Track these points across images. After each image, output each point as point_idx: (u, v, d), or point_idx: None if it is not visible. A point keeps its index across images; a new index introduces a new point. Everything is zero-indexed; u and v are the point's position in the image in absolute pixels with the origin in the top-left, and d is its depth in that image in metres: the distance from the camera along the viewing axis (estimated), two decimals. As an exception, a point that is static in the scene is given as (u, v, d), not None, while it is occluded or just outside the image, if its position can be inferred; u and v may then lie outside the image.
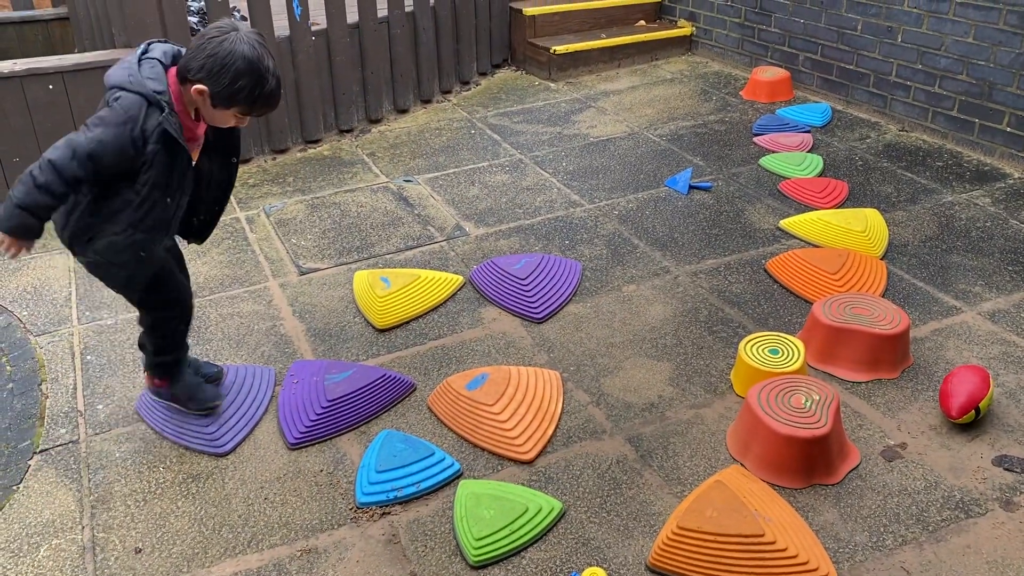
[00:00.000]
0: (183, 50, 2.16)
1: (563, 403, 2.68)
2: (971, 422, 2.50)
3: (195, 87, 2.07)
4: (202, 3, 4.80)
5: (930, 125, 4.55)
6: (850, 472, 2.37)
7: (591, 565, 2.10)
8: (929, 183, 4.06)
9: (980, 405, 2.47)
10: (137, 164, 2.08)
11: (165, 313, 2.46)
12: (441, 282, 3.27)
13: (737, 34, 5.70)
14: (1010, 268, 3.32)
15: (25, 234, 2.06)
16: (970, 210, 3.79)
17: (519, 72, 5.95)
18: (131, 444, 2.57)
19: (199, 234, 2.49)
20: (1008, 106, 4.14)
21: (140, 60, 2.12)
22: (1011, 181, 4.05)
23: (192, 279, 3.40)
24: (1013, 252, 3.44)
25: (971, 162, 4.26)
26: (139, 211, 2.16)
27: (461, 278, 3.34)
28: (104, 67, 3.98)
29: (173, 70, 2.13)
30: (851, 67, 4.92)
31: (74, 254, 2.29)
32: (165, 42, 2.20)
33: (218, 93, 2.07)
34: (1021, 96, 4.06)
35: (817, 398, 2.38)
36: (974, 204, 3.84)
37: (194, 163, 2.26)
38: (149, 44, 2.17)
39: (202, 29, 4.51)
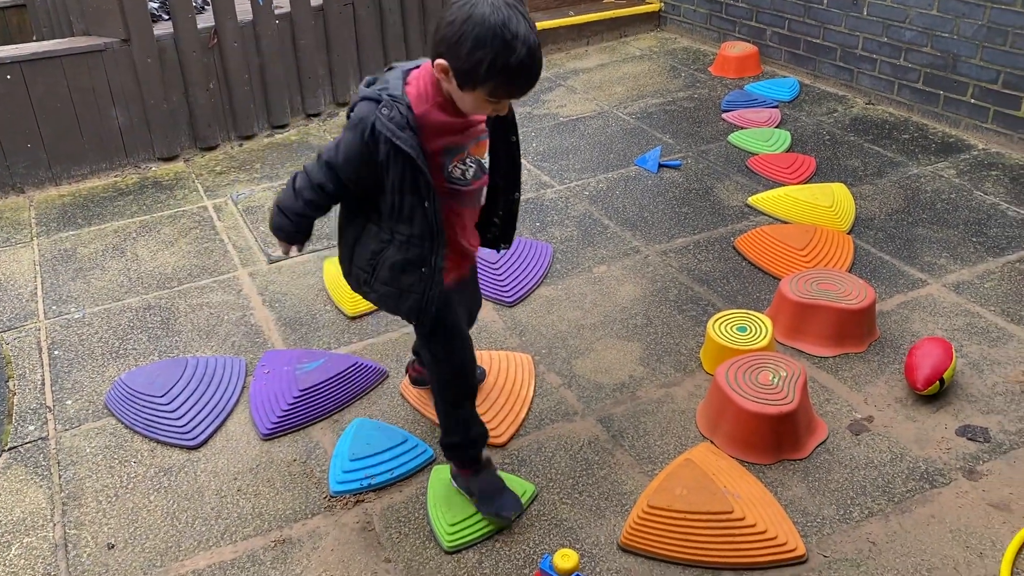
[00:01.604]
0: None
1: (535, 386, 2.69)
2: (936, 393, 2.55)
3: (437, 64, 1.74)
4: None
5: (896, 98, 4.58)
6: (818, 447, 2.40)
7: (563, 546, 2.12)
8: (895, 156, 4.10)
9: (944, 376, 2.51)
10: (378, 170, 1.83)
11: (445, 370, 2.12)
12: (411, 267, 3.25)
13: (705, 9, 5.69)
14: (974, 240, 3.37)
15: (280, 233, 2.00)
16: (935, 182, 3.83)
17: (488, 51, 5.90)
18: (101, 439, 2.55)
19: (504, 234, 2.18)
20: (972, 78, 4.17)
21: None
22: (975, 152, 4.09)
23: (159, 270, 3.40)
24: (977, 223, 3.48)
25: (936, 134, 4.30)
26: (400, 222, 1.87)
27: (432, 262, 3.33)
28: (63, 56, 3.92)
29: (427, 62, 1.83)
30: (818, 41, 4.93)
31: (365, 294, 2.06)
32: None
33: (458, 69, 1.70)
34: (985, 68, 4.10)
35: (784, 374, 2.41)
36: (939, 176, 3.88)
37: (481, 158, 1.96)
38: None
39: (162, 15, 4.46)
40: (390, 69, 1.89)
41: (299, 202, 1.93)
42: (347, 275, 2.07)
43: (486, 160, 2.00)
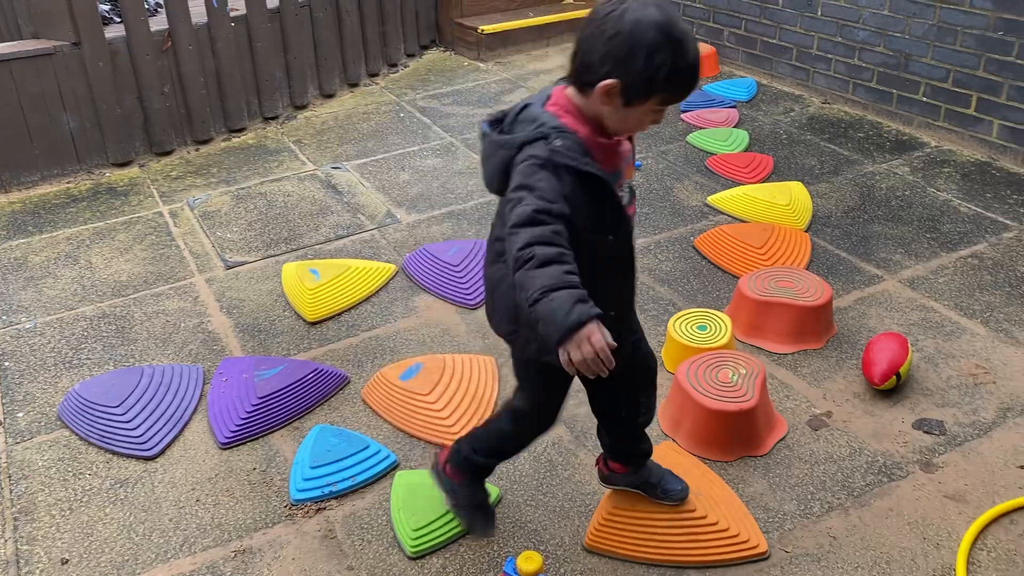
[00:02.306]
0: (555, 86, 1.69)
1: (499, 388, 2.68)
2: (893, 388, 2.58)
3: (601, 87, 1.54)
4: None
5: (851, 97, 4.65)
6: (778, 443, 2.42)
7: (528, 548, 2.11)
8: (851, 154, 4.16)
9: (900, 371, 2.55)
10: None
11: (543, 406, 1.95)
12: (373, 271, 3.23)
13: (663, 10, 5.72)
14: (928, 236, 3.43)
15: (566, 321, 1.49)
16: (890, 179, 3.89)
17: (448, 53, 5.90)
18: (55, 452, 2.49)
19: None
20: (924, 76, 4.25)
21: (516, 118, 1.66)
22: (928, 150, 4.17)
23: (114, 278, 3.33)
24: (930, 220, 3.54)
25: (890, 132, 4.37)
26: (577, 261, 1.54)
27: (393, 267, 3.31)
28: (11, 59, 3.83)
29: (558, 90, 1.66)
30: (774, 41, 4.99)
31: (515, 343, 1.83)
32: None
33: (633, 83, 1.53)
34: (936, 67, 4.18)
35: (744, 372, 2.43)
36: (894, 173, 3.95)
37: (629, 179, 1.77)
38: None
39: (113, 18, 4.37)
40: (523, 109, 1.65)
41: (552, 268, 1.47)
42: (512, 335, 1.81)
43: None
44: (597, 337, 1.44)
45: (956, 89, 4.12)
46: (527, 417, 1.97)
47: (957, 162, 4.02)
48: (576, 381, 1.84)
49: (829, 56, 4.69)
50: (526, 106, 1.65)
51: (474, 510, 2.11)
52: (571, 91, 1.63)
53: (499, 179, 1.65)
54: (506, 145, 1.61)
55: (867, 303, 3.03)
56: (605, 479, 2.18)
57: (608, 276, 1.71)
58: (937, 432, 2.45)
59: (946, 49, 4.10)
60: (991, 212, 3.58)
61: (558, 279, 1.45)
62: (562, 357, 1.47)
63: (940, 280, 3.14)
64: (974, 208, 3.61)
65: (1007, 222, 3.50)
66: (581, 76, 1.58)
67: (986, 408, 2.52)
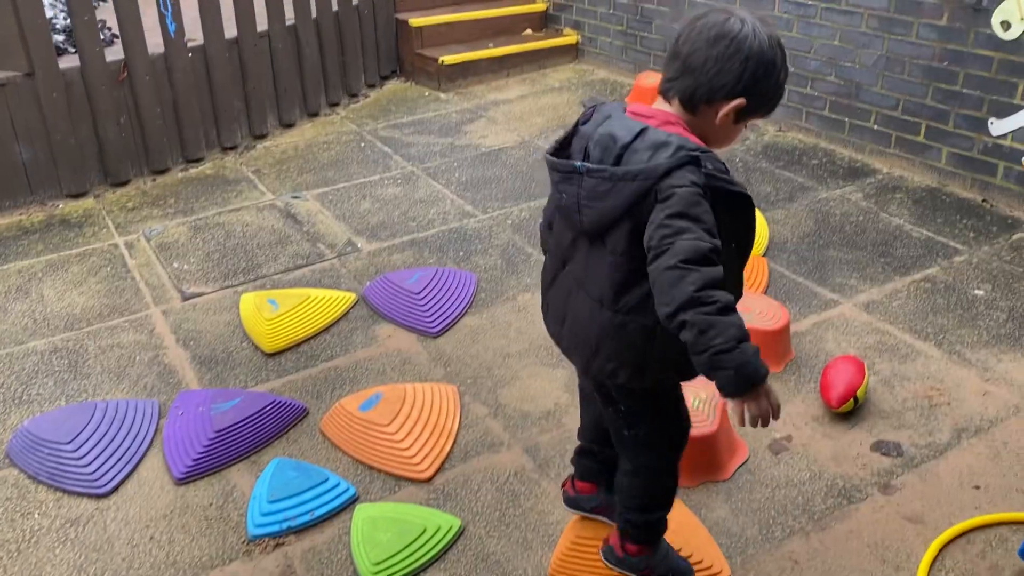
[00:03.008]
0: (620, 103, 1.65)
1: (461, 417, 2.66)
2: (850, 411, 2.61)
3: (732, 106, 1.56)
4: (67, 21, 4.57)
5: (805, 125, 4.75)
6: (739, 467, 2.43)
7: (491, 581, 2.09)
8: (806, 181, 4.23)
9: (857, 394, 2.58)
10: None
11: (675, 429, 1.87)
12: (332, 301, 3.20)
13: (621, 42, 5.82)
14: (882, 260, 3.49)
15: (753, 375, 1.47)
16: (844, 205, 3.97)
17: (409, 83, 5.92)
18: (2, 491, 2.42)
19: None
20: (874, 105, 4.35)
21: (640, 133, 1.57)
22: (880, 176, 4.26)
23: (67, 311, 3.26)
24: (884, 244, 3.61)
25: (843, 159, 4.47)
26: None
27: (354, 295, 3.28)
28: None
29: (660, 111, 1.62)
30: (729, 71, 5.08)
31: (622, 381, 1.72)
32: (593, 107, 1.68)
33: (758, 102, 1.58)
34: (885, 96, 4.28)
35: (704, 396, 2.44)
36: (847, 199, 4.03)
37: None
38: (599, 109, 1.65)
39: (68, 48, 4.31)
40: (639, 135, 1.56)
41: (734, 316, 1.45)
42: (639, 376, 1.70)
43: None
44: (774, 396, 1.50)
45: (906, 117, 4.22)
46: (663, 441, 1.86)
47: (908, 188, 4.12)
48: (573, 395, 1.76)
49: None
50: (643, 130, 1.56)
51: (676, 563, 2.00)
52: (676, 108, 1.61)
53: (620, 214, 1.55)
54: (641, 176, 1.51)
55: (824, 327, 3.07)
56: (571, 501, 2.15)
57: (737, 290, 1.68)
58: (895, 454, 2.48)
59: (895, 79, 4.21)
60: (942, 236, 3.66)
61: (743, 330, 1.45)
62: (735, 407, 1.49)
63: (894, 304, 3.19)
64: (926, 233, 3.69)
65: (957, 246, 3.58)
66: (705, 95, 1.57)
67: (941, 429, 2.56)
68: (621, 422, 1.83)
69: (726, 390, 1.47)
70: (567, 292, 1.74)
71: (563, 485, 2.18)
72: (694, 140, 1.57)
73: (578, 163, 1.60)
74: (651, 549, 1.96)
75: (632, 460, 1.88)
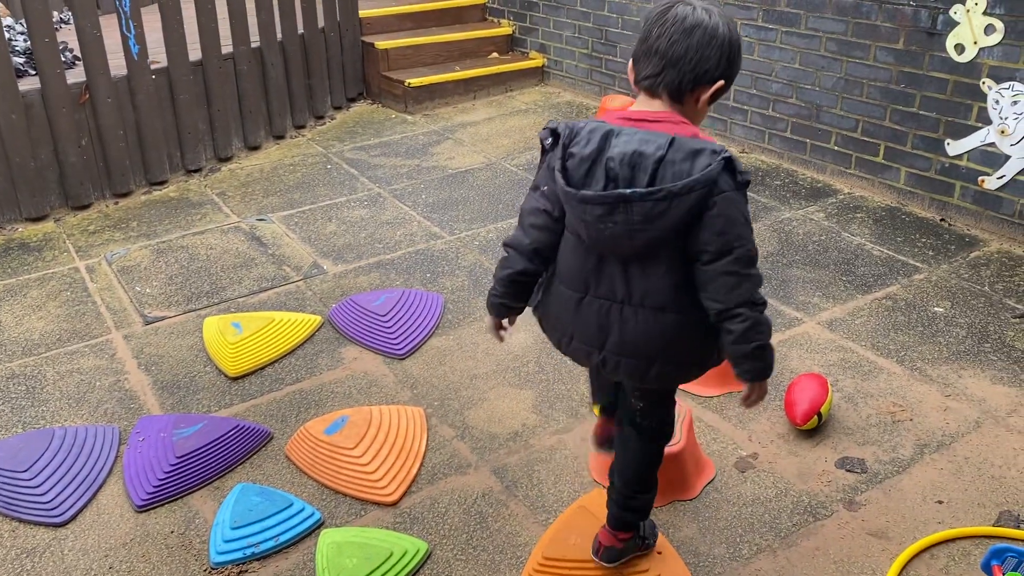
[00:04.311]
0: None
1: (427, 440, 2.64)
2: (815, 428, 2.63)
3: (712, 89, 1.65)
4: (28, 43, 4.52)
5: (767, 146, 4.82)
6: (706, 486, 2.44)
7: (458, 605, 2.07)
8: (769, 201, 4.29)
9: (821, 411, 2.61)
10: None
11: (669, 437, 2.05)
12: (297, 323, 3.17)
13: (586, 64, 5.88)
14: (844, 279, 3.54)
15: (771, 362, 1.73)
16: (806, 225, 4.03)
17: (375, 105, 5.92)
18: (-45, 522, 2.35)
19: None
20: (834, 126, 4.43)
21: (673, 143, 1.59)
22: (841, 196, 4.33)
23: (25, 336, 3.20)
24: (845, 263, 3.67)
25: (805, 180, 4.54)
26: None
27: (319, 318, 3.26)
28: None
29: (666, 113, 1.65)
30: (693, 93, 5.15)
31: (667, 380, 1.85)
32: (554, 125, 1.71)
33: (730, 80, 1.69)
34: (845, 117, 4.37)
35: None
36: (810, 219, 4.09)
37: None
38: (592, 130, 1.65)
39: (28, 70, 4.26)
40: (670, 146, 1.58)
41: (768, 317, 1.70)
42: (679, 375, 1.84)
43: None
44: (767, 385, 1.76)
45: (865, 138, 4.31)
46: (663, 432, 2.02)
47: (869, 208, 4.19)
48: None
49: (745, 108, 4.86)
50: (672, 141, 1.58)
51: (655, 535, 2.18)
52: (665, 102, 1.66)
53: (680, 227, 1.60)
54: (697, 186, 1.55)
55: (788, 345, 3.10)
56: (606, 441, 2.20)
57: None
58: (859, 470, 2.50)
59: (854, 100, 4.30)
60: (902, 255, 3.73)
61: (772, 329, 1.71)
62: (752, 392, 1.74)
63: (857, 321, 3.24)
64: (886, 251, 3.76)
65: (917, 264, 3.65)
66: (691, 84, 1.63)
67: (904, 445, 2.59)
68: (637, 414, 1.97)
69: (751, 375, 1.70)
70: (603, 313, 1.75)
71: (594, 431, 2.25)
72: (705, 137, 1.63)
73: (628, 190, 1.58)
74: (639, 525, 2.10)
75: (638, 445, 2.00)
